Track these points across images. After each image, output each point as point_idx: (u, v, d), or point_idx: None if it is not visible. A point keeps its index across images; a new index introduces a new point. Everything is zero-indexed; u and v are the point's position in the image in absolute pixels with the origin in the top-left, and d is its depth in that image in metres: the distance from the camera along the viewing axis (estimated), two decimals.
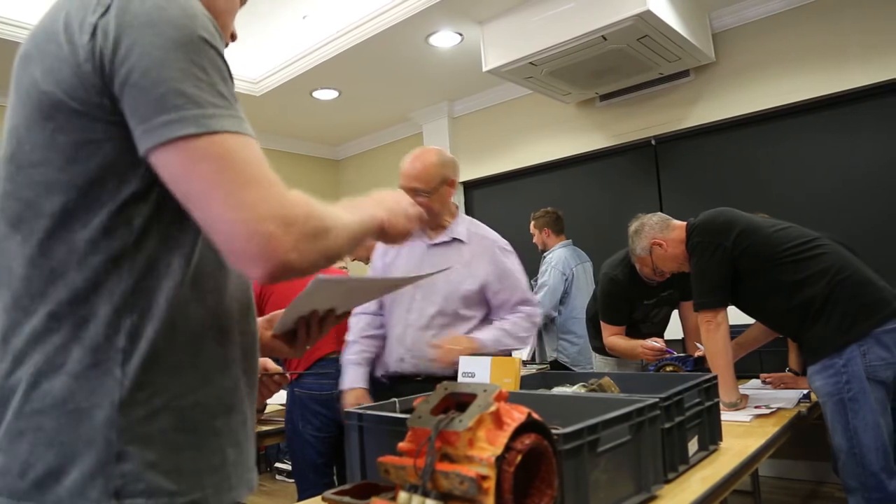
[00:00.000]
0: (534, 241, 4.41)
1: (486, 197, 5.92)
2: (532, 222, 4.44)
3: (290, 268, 0.75)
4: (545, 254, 4.32)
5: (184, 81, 0.73)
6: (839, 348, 2.15)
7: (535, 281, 4.20)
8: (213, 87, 0.75)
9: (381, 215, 0.97)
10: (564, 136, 5.24)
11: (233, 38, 1.03)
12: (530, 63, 4.08)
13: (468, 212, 5.99)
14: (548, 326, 4.16)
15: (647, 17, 3.56)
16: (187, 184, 0.74)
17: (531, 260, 4.31)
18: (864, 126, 3.98)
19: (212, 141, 0.73)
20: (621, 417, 1.33)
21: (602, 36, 3.73)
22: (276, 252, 0.73)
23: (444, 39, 4.49)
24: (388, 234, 1.00)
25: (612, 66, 4.24)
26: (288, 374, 1.62)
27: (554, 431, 1.17)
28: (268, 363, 1.63)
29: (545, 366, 4.23)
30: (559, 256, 4.12)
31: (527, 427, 1.05)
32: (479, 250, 2.29)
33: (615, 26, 3.63)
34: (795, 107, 4.17)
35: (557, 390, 2.00)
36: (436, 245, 2.32)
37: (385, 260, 2.42)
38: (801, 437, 3.16)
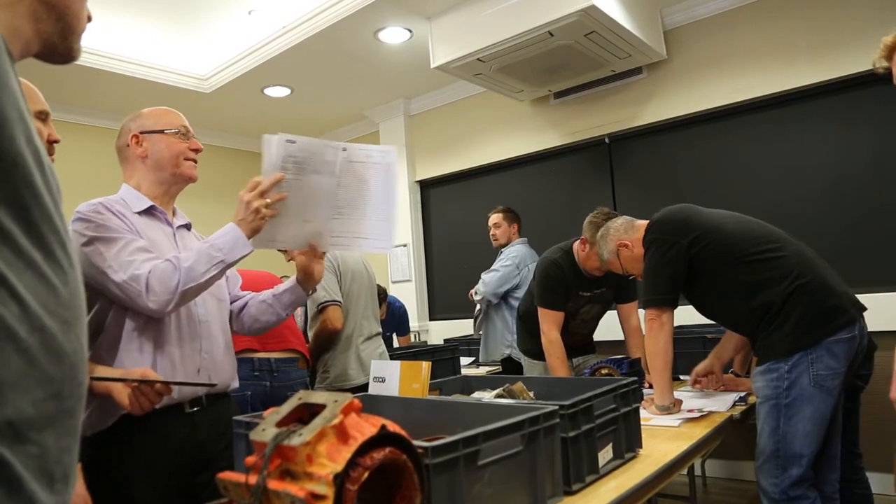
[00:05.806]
0: (497, 233, 4.23)
1: (443, 195, 5.83)
2: (501, 214, 4.24)
3: None
4: (505, 248, 4.21)
5: None
6: (788, 353, 2.09)
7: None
8: None
9: None
10: (520, 133, 5.18)
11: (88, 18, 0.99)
12: (478, 59, 4.00)
13: (424, 210, 5.90)
14: (491, 322, 4.09)
15: (593, 13, 3.49)
16: None
17: (489, 261, 4.24)
18: (812, 123, 3.96)
19: None
20: (509, 427, 1.24)
21: (548, 31, 3.66)
22: None
23: (394, 35, 4.40)
24: None
25: (562, 63, 4.17)
26: (170, 384, 1.51)
27: (425, 444, 1.08)
28: (148, 373, 1.50)
29: (497, 367, 4.14)
30: (519, 251, 4.07)
31: (381, 441, 0.97)
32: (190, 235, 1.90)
33: (560, 21, 3.55)
34: (747, 104, 4.15)
35: (477, 395, 1.92)
36: (182, 227, 1.86)
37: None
38: (752, 437, 3.11)
